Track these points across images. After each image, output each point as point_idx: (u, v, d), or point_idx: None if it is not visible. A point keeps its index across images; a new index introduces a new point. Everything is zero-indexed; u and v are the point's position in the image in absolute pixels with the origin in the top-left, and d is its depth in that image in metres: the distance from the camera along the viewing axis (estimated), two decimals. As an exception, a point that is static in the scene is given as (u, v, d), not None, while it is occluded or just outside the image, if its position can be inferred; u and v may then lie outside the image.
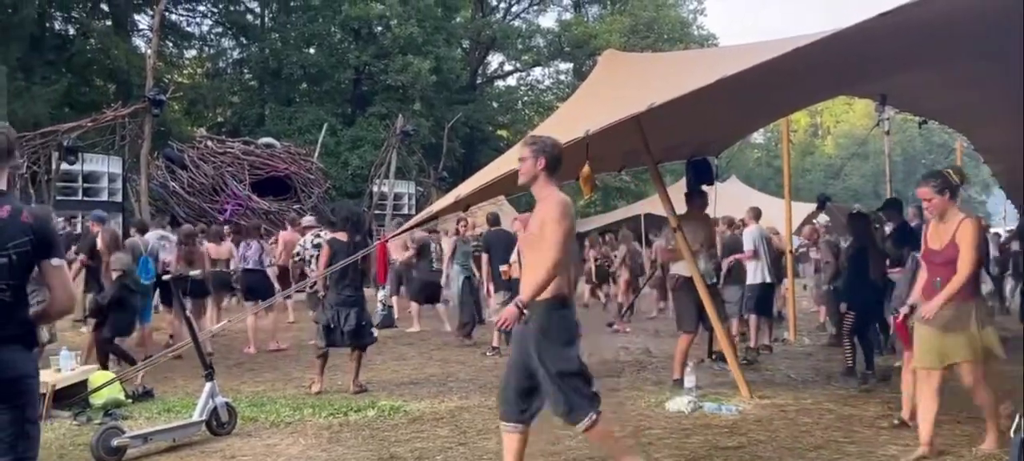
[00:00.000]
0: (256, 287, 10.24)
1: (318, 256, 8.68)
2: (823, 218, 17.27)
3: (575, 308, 4.13)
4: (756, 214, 9.99)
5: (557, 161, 4.12)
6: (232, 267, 10.51)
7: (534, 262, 3.96)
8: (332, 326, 7.25)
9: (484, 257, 10.08)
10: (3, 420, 2.94)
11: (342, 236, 7.56)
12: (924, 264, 4.86)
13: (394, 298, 13.27)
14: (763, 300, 9.45)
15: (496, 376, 8.03)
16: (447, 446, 5.42)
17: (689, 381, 6.95)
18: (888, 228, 8.50)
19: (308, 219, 11.48)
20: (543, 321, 3.95)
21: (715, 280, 7.78)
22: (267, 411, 6.50)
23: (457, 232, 11.51)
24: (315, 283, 8.17)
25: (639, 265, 14.23)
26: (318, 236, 10.38)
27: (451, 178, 26.31)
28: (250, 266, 10.30)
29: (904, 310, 4.97)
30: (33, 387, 3.05)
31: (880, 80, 6.92)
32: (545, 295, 3.91)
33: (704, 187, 8.08)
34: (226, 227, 14.17)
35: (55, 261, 3.06)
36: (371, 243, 10.26)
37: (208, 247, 10.39)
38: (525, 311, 3.87)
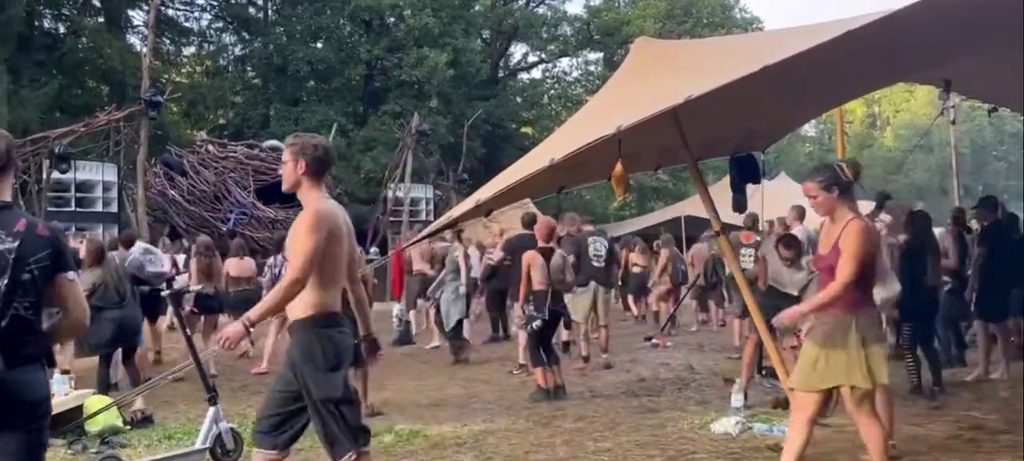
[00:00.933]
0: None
1: None
2: (886, 218, 17.06)
3: (346, 327, 4.05)
4: (800, 213, 9.86)
5: (320, 163, 4.09)
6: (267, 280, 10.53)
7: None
8: None
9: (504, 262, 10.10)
10: (16, 444, 2.99)
11: None
12: (817, 271, 4.77)
13: (412, 313, 13.31)
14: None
15: (523, 396, 8.05)
16: (471, 474, 5.43)
17: (736, 400, 6.90)
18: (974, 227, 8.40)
19: None
20: (304, 341, 3.87)
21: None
22: (275, 437, 6.53)
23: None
24: None
25: (681, 273, 14.17)
26: None
27: (472, 180, 26.36)
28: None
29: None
30: (47, 410, 3.12)
31: (943, 64, 6.83)
32: (308, 312, 3.84)
33: (749, 186, 8.02)
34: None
35: (70, 275, 3.13)
36: (366, 253, 10.31)
37: (229, 263, 10.50)
38: (251, 330, 3.77)
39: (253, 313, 3.83)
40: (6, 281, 2.96)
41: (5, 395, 2.94)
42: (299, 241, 3.91)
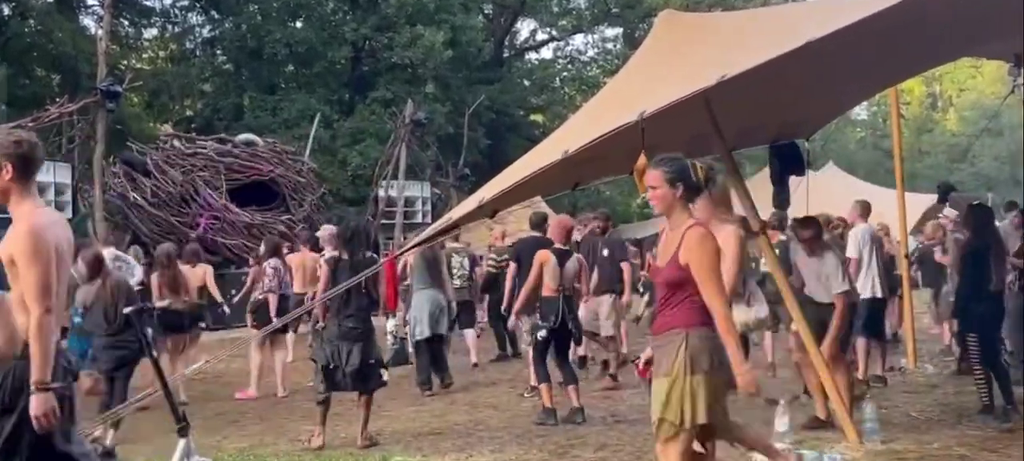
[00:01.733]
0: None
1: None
2: (950, 213, 17.02)
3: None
4: (865, 210, 9.86)
5: (28, 163, 3.83)
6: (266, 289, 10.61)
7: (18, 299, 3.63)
8: (332, 365, 7.28)
9: (510, 269, 10.08)
10: None
11: (344, 254, 7.61)
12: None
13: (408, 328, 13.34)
14: (873, 319, 9.35)
15: (532, 420, 8.05)
16: (478, 512, 5.44)
17: (781, 424, 6.89)
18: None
19: (327, 229, 11.55)
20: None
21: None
22: (255, 472, 6.57)
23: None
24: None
25: None
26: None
27: (474, 176, 26.40)
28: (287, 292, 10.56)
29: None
30: None
31: (1014, 36, 6.81)
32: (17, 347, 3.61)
33: (792, 178, 8.02)
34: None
35: None
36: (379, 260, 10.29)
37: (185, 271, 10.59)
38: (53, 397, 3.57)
39: (36, 374, 3.58)
40: None
41: None
42: (25, 268, 3.62)
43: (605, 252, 10.30)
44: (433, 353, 10.36)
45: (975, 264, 7.43)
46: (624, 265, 10.45)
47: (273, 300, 10.41)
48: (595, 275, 10.01)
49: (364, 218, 21.50)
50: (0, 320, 3.15)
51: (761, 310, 5.46)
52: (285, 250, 12.11)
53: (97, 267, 7.82)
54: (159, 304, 9.73)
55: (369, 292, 7.55)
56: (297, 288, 11.50)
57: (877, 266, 9.34)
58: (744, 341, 6.11)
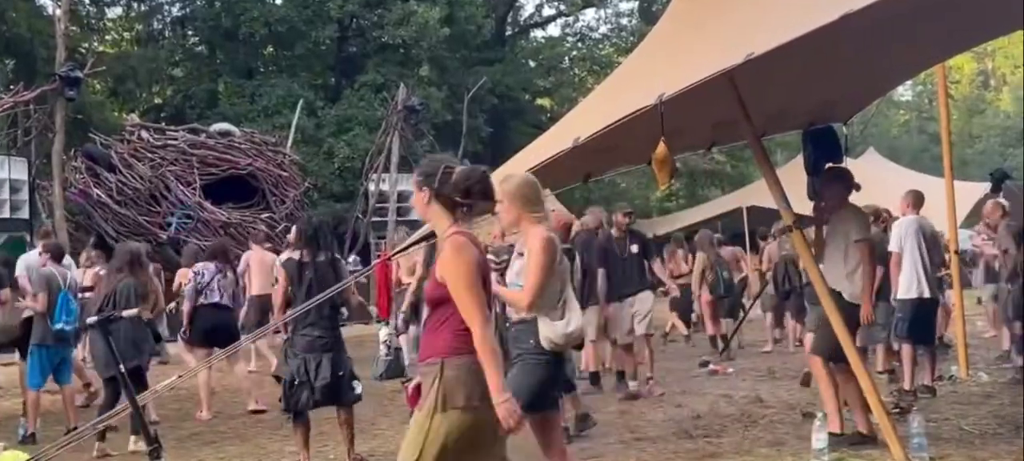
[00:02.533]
0: (222, 329, 10.33)
1: None
2: (1004, 203, 17.01)
3: None
4: (917, 200, 9.76)
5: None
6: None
7: None
8: (298, 381, 7.16)
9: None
10: None
11: (305, 256, 7.48)
12: None
13: (403, 337, 13.38)
14: (920, 322, 9.33)
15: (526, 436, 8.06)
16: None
17: (819, 440, 6.90)
18: None
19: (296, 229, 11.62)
20: None
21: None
22: (234, 499, 6.59)
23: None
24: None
25: (724, 281, 14.13)
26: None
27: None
28: (218, 300, 10.44)
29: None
30: None
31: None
32: None
33: (829, 166, 8.01)
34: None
35: None
36: (347, 262, 10.29)
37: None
38: None
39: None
40: None
41: None
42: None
43: (634, 248, 10.15)
44: None
45: None
46: (650, 263, 10.41)
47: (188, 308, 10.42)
48: (621, 278, 9.92)
49: (324, 218, 21.56)
50: None
51: (573, 324, 5.34)
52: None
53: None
54: (126, 313, 9.67)
55: (333, 298, 7.41)
56: (255, 290, 11.68)
57: (922, 262, 9.27)
58: None
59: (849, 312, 7.03)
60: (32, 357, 9.37)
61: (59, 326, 9.14)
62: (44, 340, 9.21)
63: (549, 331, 5.25)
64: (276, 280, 10.93)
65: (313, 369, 7.14)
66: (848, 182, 7.57)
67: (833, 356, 7.29)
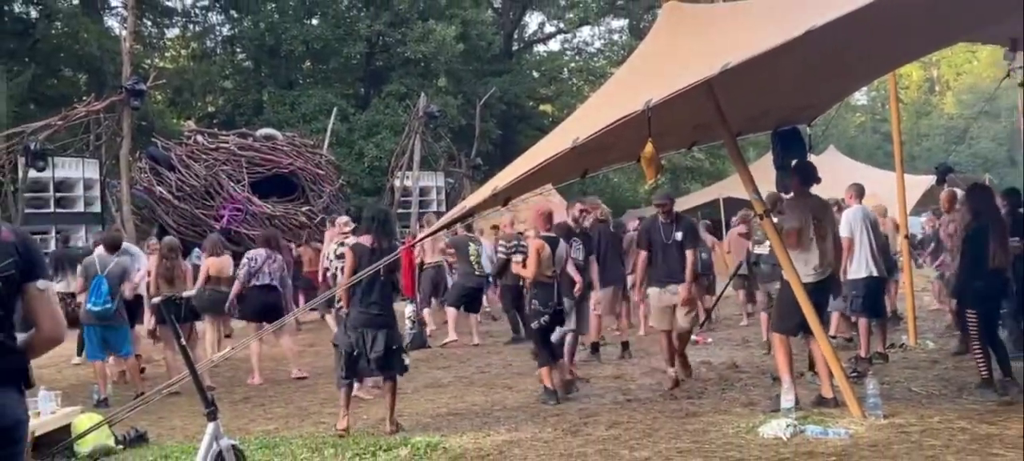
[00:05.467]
0: (271, 307, 10.32)
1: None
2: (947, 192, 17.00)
3: None
4: (859, 192, 9.86)
5: None
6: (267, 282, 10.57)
7: None
8: (355, 352, 7.21)
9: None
10: None
11: (366, 240, 7.50)
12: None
13: (426, 311, 13.43)
14: (872, 297, 9.34)
15: (546, 401, 8.08)
16: (495, 488, 5.47)
17: (787, 400, 6.90)
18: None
19: (343, 218, 11.53)
20: None
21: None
22: (281, 453, 6.61)
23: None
24: (339, 300, 8.11)
25: (704, 262, 14.09)
26: (342, 244, 10.32)
27: (487, 166, 26.42)
28: (267, 282, 10.44)
29: None
30: (25, 434, 3.16)
31: (1009, 21, 6.77)
32: None
33: (794, 163, 7.99)
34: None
35: (41, 283, 3.13)
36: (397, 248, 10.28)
37: (208, 262, 10.60)
38: None
39: None
40: None
41: None
42: None
43: (678, 236, 8.67)
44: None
45: (975, 242, 7.41)
46: (690, 253, 8.66)
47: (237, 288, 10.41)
48: (662, 264, 8.71)
49: (388, 207, 21.58)
50: (46, 306, 3.16)
51: None
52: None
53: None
54: (155, 299, 9.61)
55: (392, 279, 7.46)
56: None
57: (870, 246, 9.32)
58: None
59: (809, 290, 7.01)
60: (85, 335, 9.47)
61: (90, 307, 9.18)
62: (87, 319, 9.34)
63: None
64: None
65: (369, 342, 7.14)
66: (804, 176, 7.52)
67: (791, 331, 7.29)
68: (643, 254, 8.85)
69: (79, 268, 9.60)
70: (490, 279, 13.59)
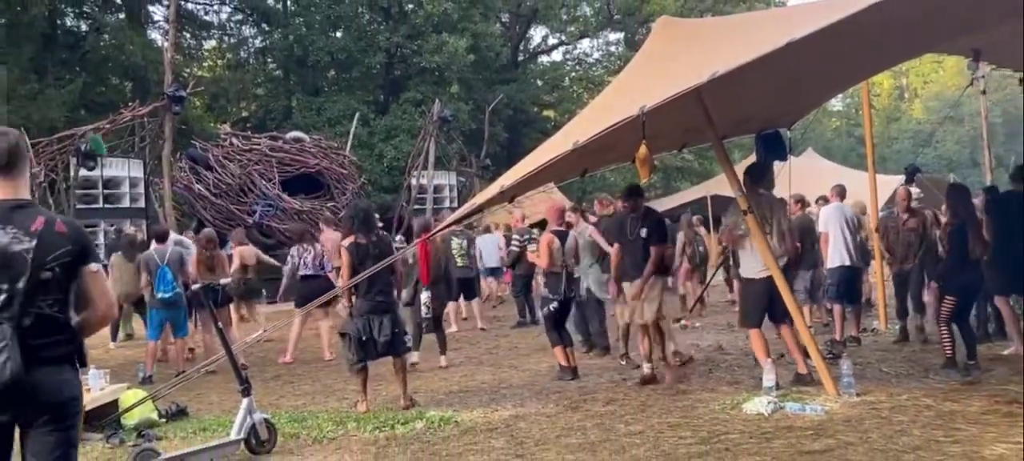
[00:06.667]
0: (315, 294, 10.34)
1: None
2: (915, 191, 16.91)
3: None
4: (840, 192, 9.89)
5: None
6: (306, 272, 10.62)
7: None
8: (364, 337, 7.16)
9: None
10: (49, 443, 3.08)
11: (360, 239, 7.38)
12: None
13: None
14: (847, 285, 9.33)
15: (549, 378, 8.09)
16: (503, 458, 5.47)
17: (768, 380, 6.90)
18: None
19: (327, 232, 11.59)
20: None
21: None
22: (308, 426, 6.63)
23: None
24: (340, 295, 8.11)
25: (700, 254, 14.09)
26: None
27: (495, 166, 26.44)
28: (310, 272, 10.49)
29: None
30: (78, 409, 3.19)
31: (972, 34, 6.75)
32: None
33: (776, 163, 7.98)
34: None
35: (93, 266, 3.19)
36: (394, 241, 10.29)
37: (240, 251, 10.66)
38: None
39: None
40: (25, 281, 3.00)
41: (28, 396, 3.01)
42: None
43: (643, 232, 7.81)
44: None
45: (955, 237, 7.40)
46: (655, 249, 7.76)
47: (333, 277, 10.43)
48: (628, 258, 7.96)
49: (368, 203, 21.58)
50: (98, 287, 3.21)
51: None
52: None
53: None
54: (194, 286, 9.65)
55: (391, 269, 7.37)
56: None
57: (845, 239, 9.33)
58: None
59: (764, 283, 6.99)
60: (150, 317, 9.52)
61: (160, 295, 9.24)
62: (154, 305, 9.37)
63: None
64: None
65: (376, 327, 7.13)
66: (754, 175, 7.39)
67: (756, 323, 7.24)
68: (617, 248, 8.13)
69: (140, 262, 9.60)
70: (503, 268, 13.62)
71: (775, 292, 6.98)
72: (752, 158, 9.28)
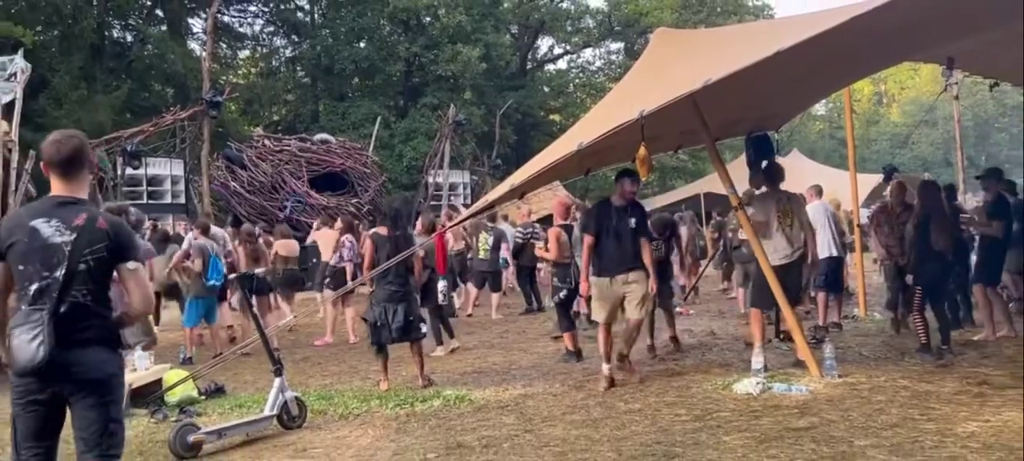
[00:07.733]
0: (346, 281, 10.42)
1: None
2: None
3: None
4: (818, 191, 9.92)
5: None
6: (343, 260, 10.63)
7: None
8: (380, 323, 7.17)
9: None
10: (89, 417, 3.12)
11: (383, 230, 7.46)
12: None
13: (453, 291, 13.45)
14: (830, 275, 9.31)
15: (555, 360, 8.10)
16: (513, 433, 5.48)
17: (757, 362, 6.89)
18: (980, 198, 8.26)
19: (337, 224, 11.64)
20: None
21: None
22: (335, 404, 6.65)
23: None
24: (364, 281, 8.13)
25: (700, 248, 14.07)
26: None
27: (505, 165, 26.42)
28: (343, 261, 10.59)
29: None
30: (116, 386, 3.21)
31: (946, 43, 6.71)
32: None
33: (764, 163, 7.95)
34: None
35: (131, 265, 3.21)
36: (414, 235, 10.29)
37: (277, 245, 10.71)
38: None
39: None
40: (62, 271, 3.04)
41: (65, 373, 3.04)
42: None
43: (632, 222, 6.82)
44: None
45: (922, 229, 7.36)
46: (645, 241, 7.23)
47: (350, 268, 10.46)
48: (615, 251, 6.84)
49: (413, 200, 21.61)
50: (135, 283, 3.23)
51: None
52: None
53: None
54: (242, 272, 9.71)
55: (406, 261, 7.37)
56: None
57: (830, 232, 9.35)
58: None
59: (778, 271, 6.98)
60: (189, 306, 9.50)
61: (210, 283, 9.27)
62: (199, 293, 9.33)
63: None
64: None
65: (391, 314, 7.14)
66: (771, 175, 7.44)
67: (766, 306, 7.26)
68: (589, 239, 6.78)
69: (195, 249, 9.53)
70: (506, 261, 13.58)
71: (788, 280, 6.99)
72: (742, 159, 9.25)
